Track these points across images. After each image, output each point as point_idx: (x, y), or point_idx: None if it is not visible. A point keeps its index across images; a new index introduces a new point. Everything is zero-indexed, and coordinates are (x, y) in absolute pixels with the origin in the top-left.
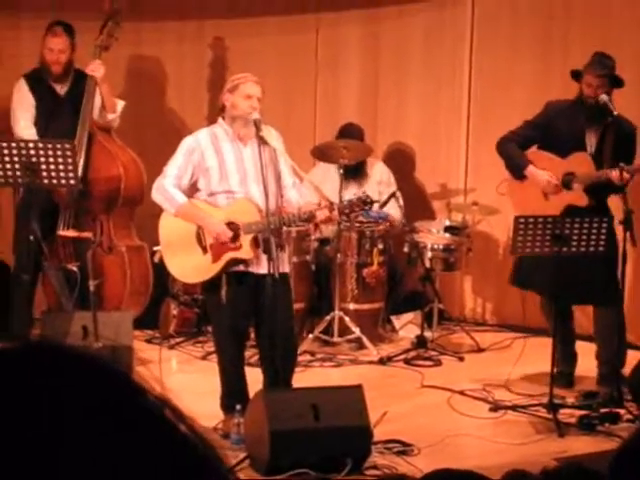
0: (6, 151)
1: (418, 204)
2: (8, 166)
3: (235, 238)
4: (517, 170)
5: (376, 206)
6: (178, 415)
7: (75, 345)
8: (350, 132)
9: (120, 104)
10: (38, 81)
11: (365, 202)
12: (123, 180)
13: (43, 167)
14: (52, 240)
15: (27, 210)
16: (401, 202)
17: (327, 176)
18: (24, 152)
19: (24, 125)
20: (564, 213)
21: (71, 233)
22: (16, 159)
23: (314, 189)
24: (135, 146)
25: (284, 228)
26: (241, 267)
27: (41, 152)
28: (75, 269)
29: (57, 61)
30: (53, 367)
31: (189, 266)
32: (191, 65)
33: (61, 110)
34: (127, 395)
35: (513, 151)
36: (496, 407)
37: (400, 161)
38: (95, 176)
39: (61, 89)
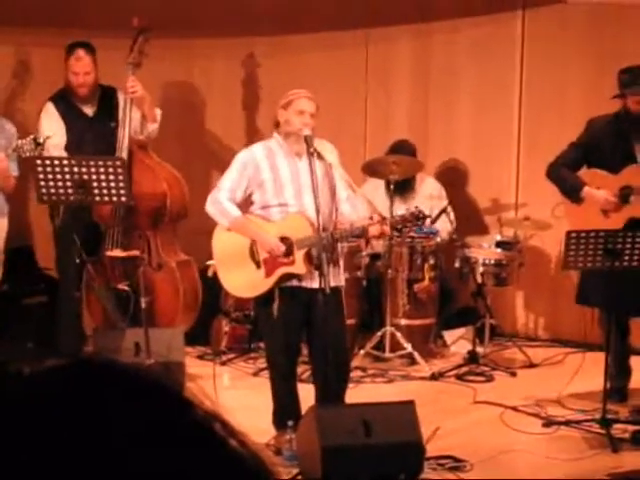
0: (58, 169)
1: (470, 219)
2: (60, 184)
3: (288, 253)
4: (573, 193)
5: (428, 221)
6: (228, 430)
7: (126, 361)
8: (402, 148)
9: (158, 112)
10: (66, 104)
11: (418, 217)
12: (168, 196)
13: (94, 185)
14: (97, 260)
15: (69, 230)
16: (452, 217)
17: (376, 192)
18: (76, 169)
19: (54, 151)
20: (626, 227)
21: (119, 253)
22: (68, 177)
23: (367, 203)
24: (177, 163)
25: (337, 242)
26: (294, 282)
27: (92, 169)
28: (126, 288)
29: (84, 84)
30: (104, 383)
31: (242, 281)
32: (242, 82)
33: (92, 131)
34: (176, 410)
35: (565, 175)
36: (549, 423)
37: (452, 176)
38: (139, 192)
39: (89, 109)
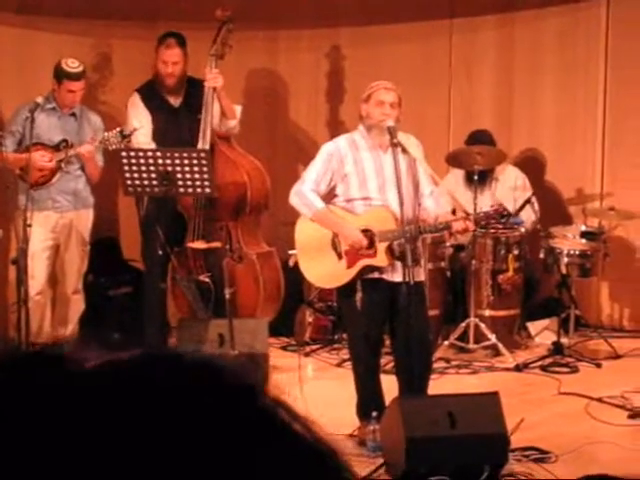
0: (143, 160)
1: (554, 209)
2: (144, 175)
3: (370, 245)
4: None
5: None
6: (292, 414)
7: (195, 352)
8: (480, 138)
9: (238, 109)
10: (152, 94)
11: (502, 214)
12: (249, 187)
13: (179, 176)
14: (181, 252)
15: (153, 221)
16: (536, 207)
17: (457, 184)
18: (160, 161)
19: (143, 140)
20: None
21: (201, 245)
22: (152, 168)
23: (451, 198)
24: (261, 153)
25: (420, 237)
26: (375, 274)
27: (177, 161)
28: (207, 280)
29: (172, 74)
30: (167, 378)
31: (324, 271)
32: (326, 74)
33: (177, 122)
34: (241, 396)
35: None
36: (635, 414)
37: (533, 166)
38: (220, 183)
39: (175, 100)
